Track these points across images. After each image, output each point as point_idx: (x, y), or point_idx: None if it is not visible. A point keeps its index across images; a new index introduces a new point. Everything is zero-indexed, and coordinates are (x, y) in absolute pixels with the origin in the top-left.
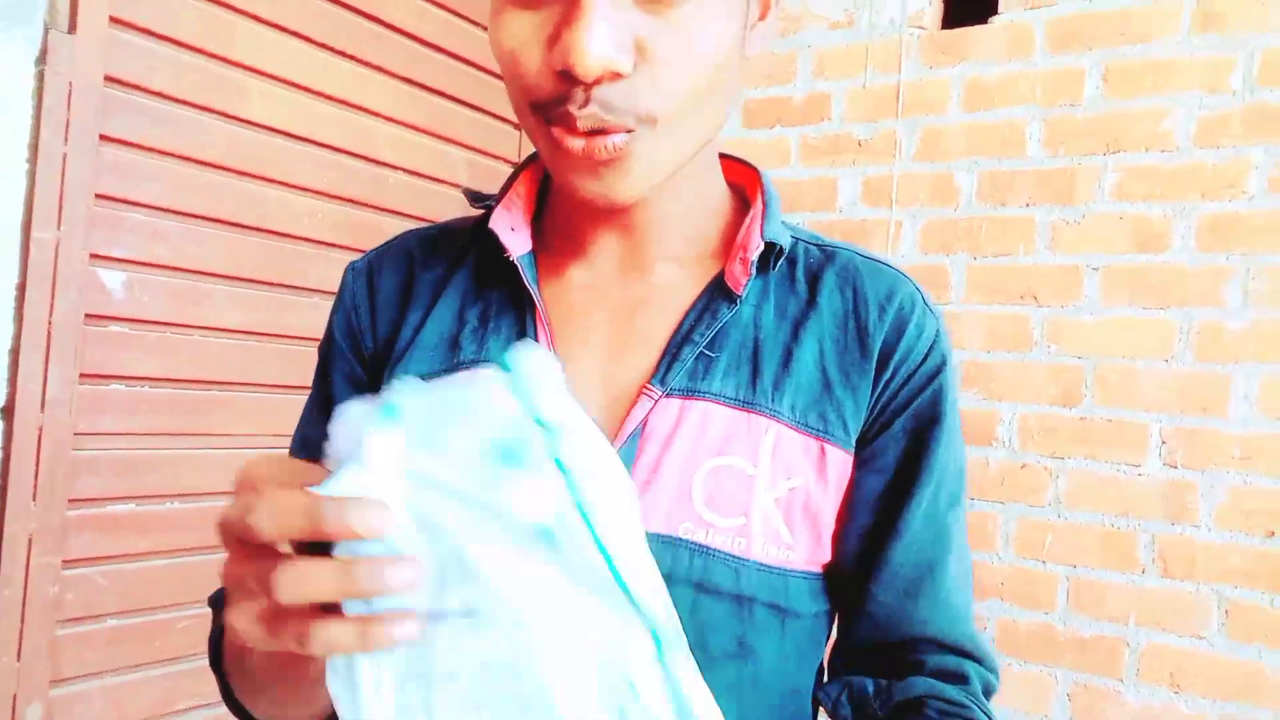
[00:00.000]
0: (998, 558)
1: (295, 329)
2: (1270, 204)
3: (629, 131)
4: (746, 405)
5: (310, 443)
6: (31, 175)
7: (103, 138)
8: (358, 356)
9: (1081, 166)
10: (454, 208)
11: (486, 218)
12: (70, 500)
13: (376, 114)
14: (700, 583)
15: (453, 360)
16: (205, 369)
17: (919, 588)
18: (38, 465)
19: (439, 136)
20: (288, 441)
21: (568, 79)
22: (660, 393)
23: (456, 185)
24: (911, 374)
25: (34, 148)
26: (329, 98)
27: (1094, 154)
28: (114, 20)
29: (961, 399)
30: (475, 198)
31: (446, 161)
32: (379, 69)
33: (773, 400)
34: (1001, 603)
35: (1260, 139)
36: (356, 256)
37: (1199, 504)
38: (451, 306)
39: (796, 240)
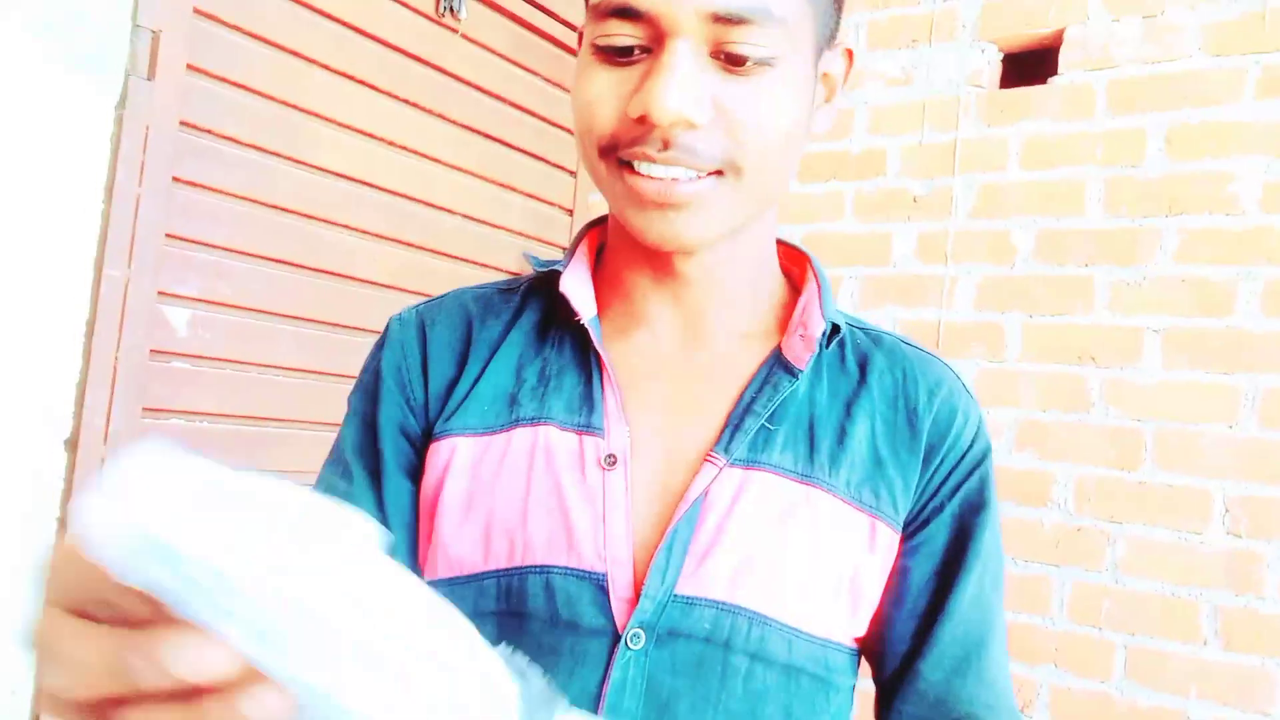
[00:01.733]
0: (1051, 622)
1: (353, 369)
2: None
3: (714, 174)
4: (804, 478)
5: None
6: (106, 215)
7: (175, 179)
8: (408, 409)
9: (1142, 228)
10: (509, 253)
11: (543, 278)
12: None
13: (437, 160)
14: (756, 653)
15: (511, 416)
16: (263, 406)
17: (967, 666)
18: None
19: (497, 183)
20: None
21: (644, 125)
22: (725, 461)
23: (512, 230)
24: (960, 460)
25: (109, 188)
26: (392, 144)
27: (1155, 215)
28: (191, 68)
29: (1016, 458)
30: (542, 263)
31: (503, 208)
32: (441, 117)
33: (829, 474)
34: (1056, 669)
35: None
36: (412, 299)
37: (1265, 575)
38: (509, 363)
39: (845, 324)
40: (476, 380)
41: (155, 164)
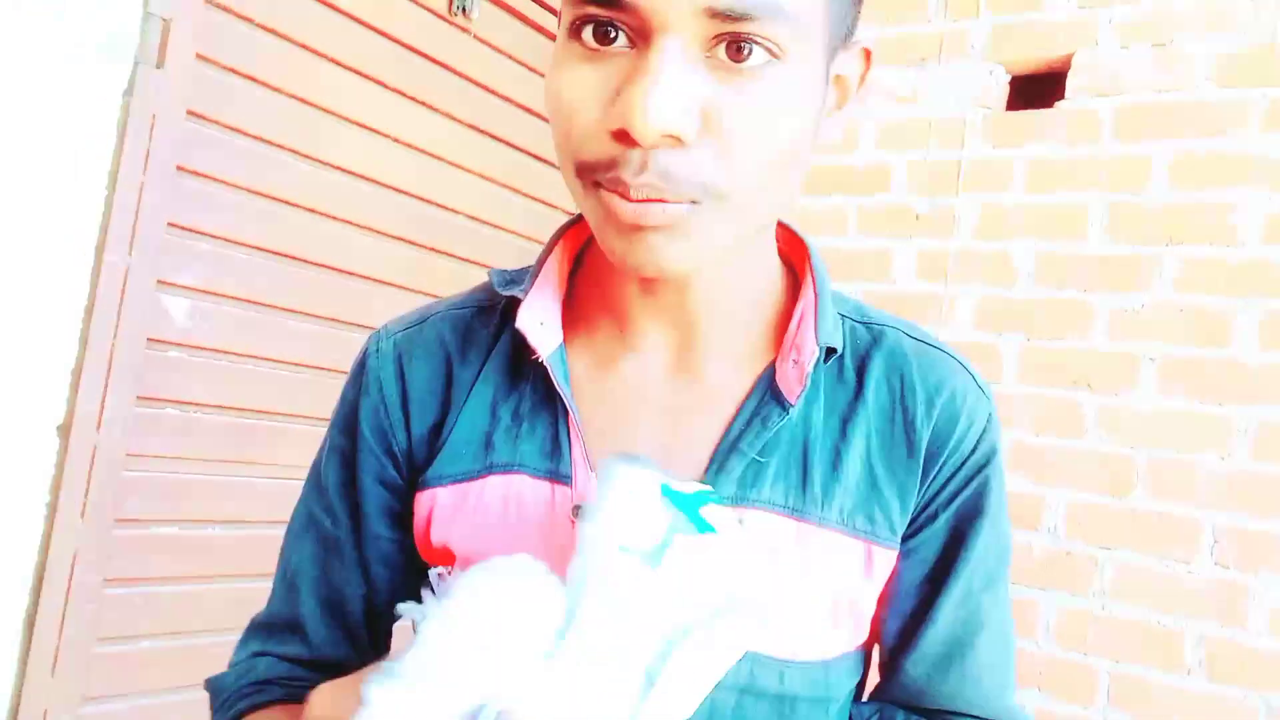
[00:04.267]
0: (1037, 646)
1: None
2: None
3: (692, 203)
4: (795, 513)
5: (330, 547)
6: (109, 201)
7: (180, 169)
8: (389, 455)
9: (1143, 255)
10: (511, 254)
11: (515, 306)
12: (117, 519)
13: (443, 159)
14: (745, 688)
15: (486, 460)
16: (259, 398)
17: (948, 665)
18: (89, 484)
19: (502, 184)
20: None
21: (624, 140)
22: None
23: (515, 231)
24: (958, 469)
25: (113, 175)
26: (399, 141)
27: (1156, 243)
28: (200, 57)
29: (1008, 481)
30: (504, 281)
31: (507, 208)
32: (449, 115)
33: (822, 506)
34: (1039, 693)
35: None
36: (413, 296)
37: (1251, 607)
38: (485, 399)
39: (843, 319)
40: (455, 423)
41: (160, 152)
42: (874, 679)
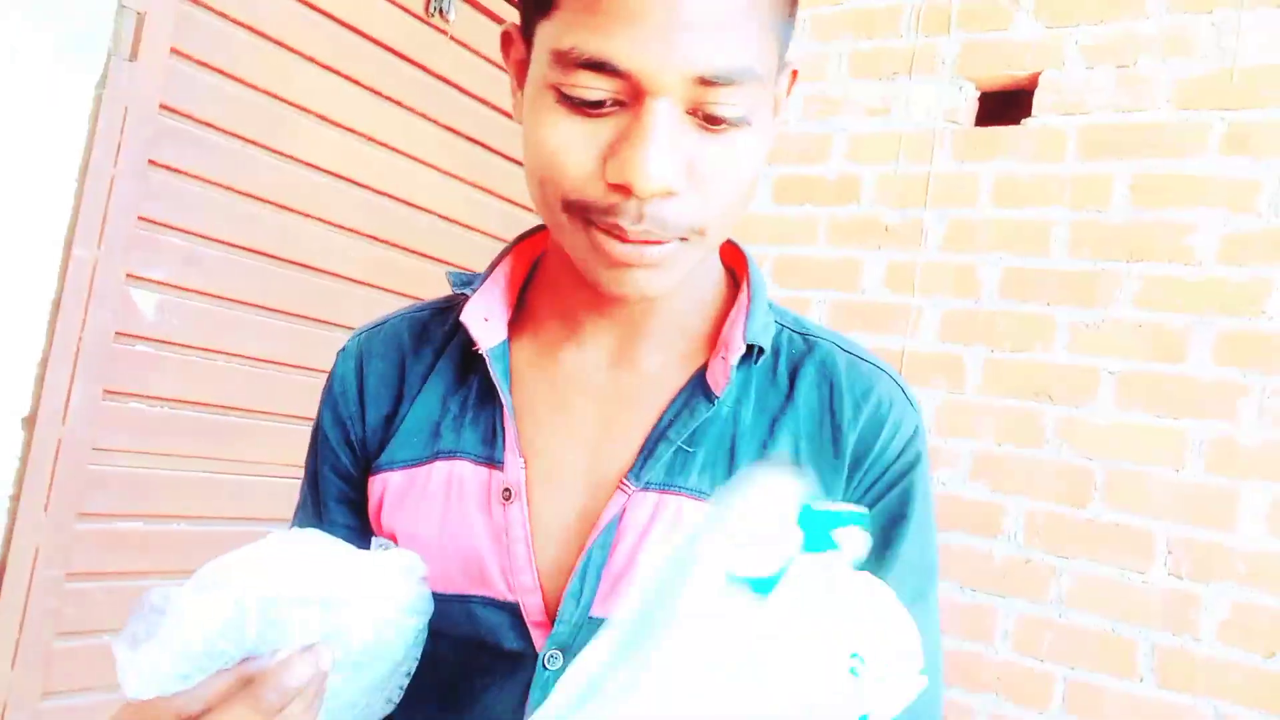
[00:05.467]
0: (995, 651)
1: (320, 362)
2: None
3: (680, 240)
4: None
5: (304, 526)
6: (79, 194)
7: (151, 163)
8: (345, 445)
9: (1104, 271)
10: (483, 256)
11: (463, 302)
12: (80, 514)
13: (417, 159)
14: None
15: (433, 448)
16: (226, 395)
17: None
18: (53, 477)
19: (475, 185)
20: (298, 472)
21: (622, 192)
22: (635, 488)
23: (487, 233)
24: (883, 473)
25: (84, 168)
26: (373, 140)
27: (1117, 260)
28: (175, 51)
29: (970, 488)
30: (460, 281)
31: (480, 210)
32: (424, 116)
33: None
34: (997, 698)
35: None
36: (384, 295)
37: (1201, 616)
38: (436, 392)
39: (781, 328)
40: (407, 413)
41: (132, 146)
42: None
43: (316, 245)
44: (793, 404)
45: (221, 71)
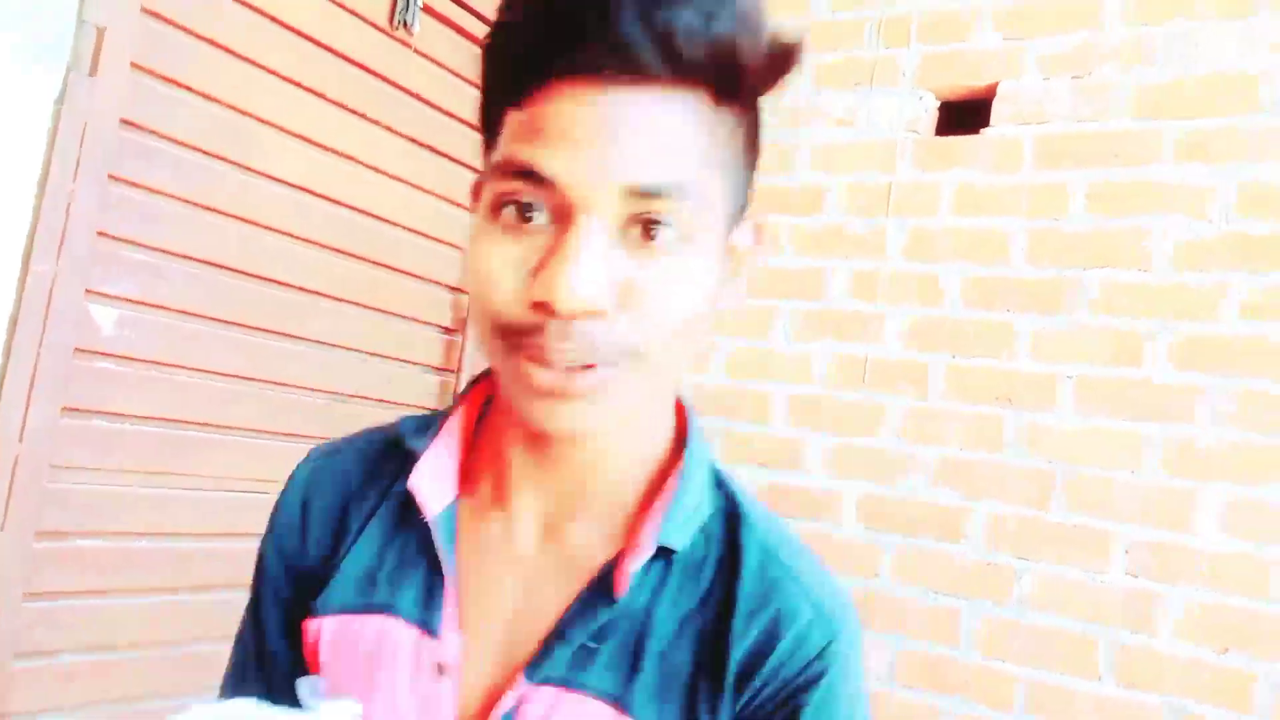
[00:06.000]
0: (960, 653)
1: (284, 376)
2: (1245, 329)
3: (612, 365)
4: (617, 703)
5: (243, 664)
6: (37, 209)
7: (112, 177)
8: (287, 577)
9: (1063, 278)
10: (449, 268)
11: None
12: (39, 532)
13: (382, 171)
14: None
15: (369, 597)
16: (188, 410)
17: None
18: (10, 495)
19: (441, 197)
20: (262, 487)
21: (544, 311)
22: (526, 684)
23: (454, 244)
24: (777, 692)
25: (42, 183)
26: (339, 153)
27: (1076, 267)
28: (135, 66)
29: (935, 494)
30: (413, 429)
31: (446, 222)
32: (389, 129)
33: (641, 706)
34: (962, 700)
35: (1237, 266)
36: (350, 309)
37: (1160, 615)
38: (376, 540)
39: (718, 512)
40: (345, 557)
41: (91, 161)
42: None
43: (280, 259)
44: (705, 607)
45: (184, 86)
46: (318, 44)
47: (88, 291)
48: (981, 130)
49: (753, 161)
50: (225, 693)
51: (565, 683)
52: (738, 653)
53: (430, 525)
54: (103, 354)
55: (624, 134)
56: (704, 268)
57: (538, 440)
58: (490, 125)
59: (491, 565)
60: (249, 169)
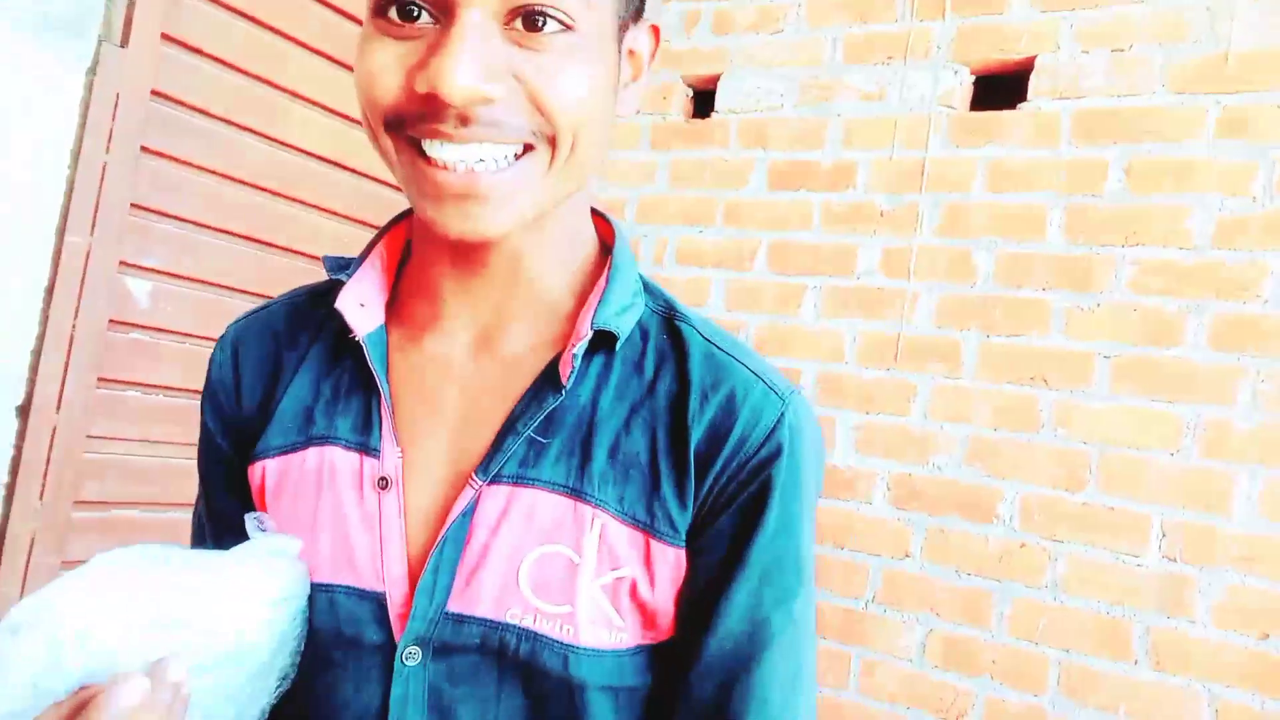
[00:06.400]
0: (991, 635)
1: None
2: None
3: (525, 151)
4: (574, 493)
5: (197, 525)
6: (71, 181)
7: (144, 149)
8: (225, 435)
9: (1099, 256)
10: None
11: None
12: (76, 502)
13: None
14: (529, 665)
15: (307, 433)
16: None
17: (733, 681)
18: (48, 465)
19: None
20: None
21: (434, 103)
22: (481, 482)
23: None
24: (740, 468)
25: (76, 155)
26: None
27: (1112, 245)
28: (165, 37)
29: (965, 472)
30: (335, 266)
31: None
32: None
33: (599, 490)
34: (991, 680)
35: (1277, 245)
36: None
37: (1196, 600)
38: (309, 378)
39: (652, 313)
40: (280, 399)
41: (124, 132)
42: None
43: (310, 230)
44: (653, 395)
45: (213, 57)
46: (345, 15)
47: (121, 263)
48: (1018, 105)
49: None
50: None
51: (517, 479)
52: (697, 431)
53: (362, 345)
54: (137, 325)
55: None
56: (594, 58)
57: (462, 255)
58: None
59: (430, 381)
60: (277, 140)
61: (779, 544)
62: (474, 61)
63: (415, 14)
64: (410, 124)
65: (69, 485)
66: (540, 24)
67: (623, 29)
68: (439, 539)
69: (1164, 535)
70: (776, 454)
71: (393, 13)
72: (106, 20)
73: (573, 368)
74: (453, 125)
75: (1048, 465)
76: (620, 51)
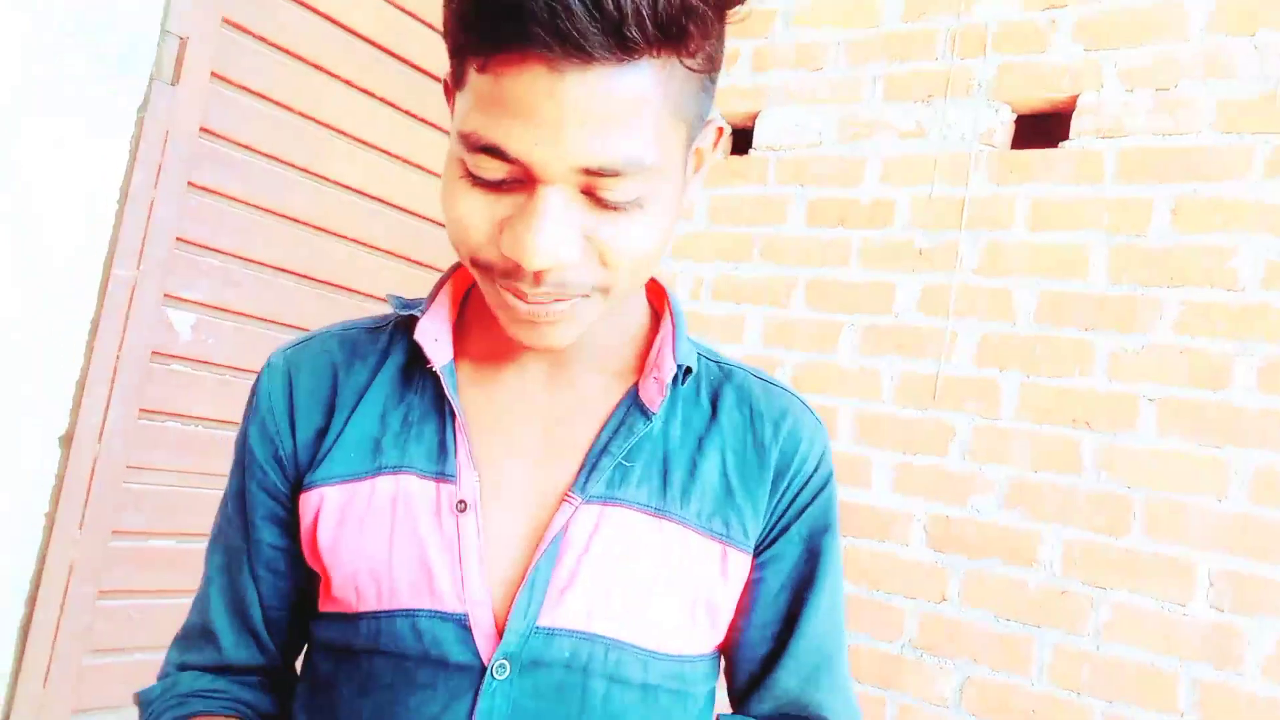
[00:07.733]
0: (1031, 684)
1: None
2: None
3: (582, 297)
4: (658, 511)
5: (232, 555)
6: (119, 215)
7: (191, 184)
8: (274, 461)
9: (1144, 296)
10: None
11: (412, 324)
12: (114, 531)
13: None
14: (613, 676)
15: (375, 463)
16: None
17: (820, 675)
18: (88, 495)
19: None
20: None
21: (514, 264)
22: (580, 500)
23: None
24: (804, 485)
25: (124, 189)
26: (408, 162)
27: (1157, 285)
28: (215, 75)
29: (1005, 516)
30: (402, 305)
31: None
32: None
33: (681, 506)
34: None
35: None
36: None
37: (1245, 651)
38: (374, 409)
39: (700, 357)
40: (343, 429)
41: (172, 168)
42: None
43: (352, 266)
44: (717, 424)
45: (260, 94)
46: (388, 53)
47: (165, 296)
48: (1060, 143)
49: (713, 77)
50: (209, 588)
51: (605, 499)
52: (773, 454)
53: (439, 374)
54: (179, 357)
55: (578, 116)
56: (664, 213)
57: None
58: (457, 73)
59: (504, 413)
60: (322, 177)
61: (838, 557)
62: (554, 234)
63: (498, 178)
64: (495, 274)
65: (108, 515)
66: (611, 204)
67: (690, 149)
68: (536, 556)
69: (1211, 584)
70: (829, 477)
71: (478, 172)
72: (158, 59)
73: (663, 395)
74: (529, 285)
75: (1090, 509)
76: (687, 167)
